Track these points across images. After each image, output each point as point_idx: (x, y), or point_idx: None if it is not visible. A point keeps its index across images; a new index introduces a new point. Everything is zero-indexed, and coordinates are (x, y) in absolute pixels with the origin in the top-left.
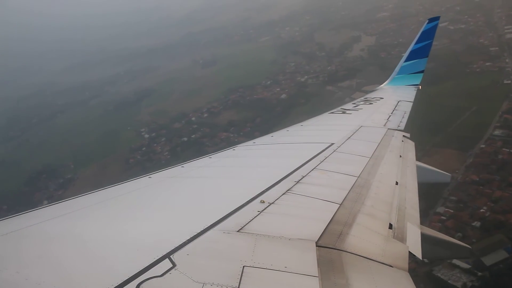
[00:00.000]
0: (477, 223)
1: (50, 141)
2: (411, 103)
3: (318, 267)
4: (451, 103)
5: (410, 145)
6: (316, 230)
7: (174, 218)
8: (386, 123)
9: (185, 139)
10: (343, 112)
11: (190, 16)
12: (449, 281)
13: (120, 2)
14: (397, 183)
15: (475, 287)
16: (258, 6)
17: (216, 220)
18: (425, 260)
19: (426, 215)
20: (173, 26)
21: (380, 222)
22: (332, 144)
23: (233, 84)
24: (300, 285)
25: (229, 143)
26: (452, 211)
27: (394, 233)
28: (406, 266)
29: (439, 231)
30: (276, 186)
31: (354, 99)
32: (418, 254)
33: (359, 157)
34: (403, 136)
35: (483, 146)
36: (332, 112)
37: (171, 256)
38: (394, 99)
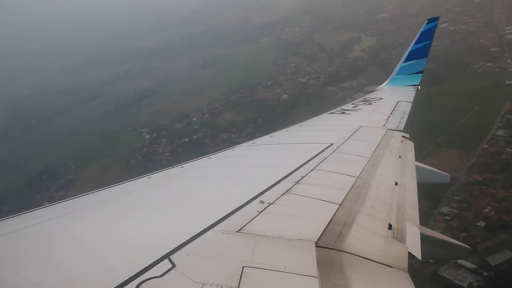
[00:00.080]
0: (481, 223)
1: (50, 141)
2: (411, 104)
3: (317, 267)
4: (453, 103)
5: (410, 145)
6: (315, 230)
7: (173, 218)
8: (385, 123)
9: (186, 139)
10: (343, 113)
11: (190, 17)
12: (454, 281)
13: (119, 2)
14: (396, 184)
15: (481, 287)
16: (257, 6)
17: (216, 221)
18: (431, 260)
19: (430, 215)
20: (173, 27)
21: (379, 222)
22: (332, 144)
23: (233, 84)
24: (300, 286)
25: (231, 144)
26: (456, 211)
27: (393, 234)
28: (406, 266)
29: (444, 231)
30: (276, 187)
31: (355, 99)
32: (418, 254)
33: (359, 157)
34: (403, 136)
35: (486, 146)
36: (331, 113)
37: (170, 257)
38: (394, 99)
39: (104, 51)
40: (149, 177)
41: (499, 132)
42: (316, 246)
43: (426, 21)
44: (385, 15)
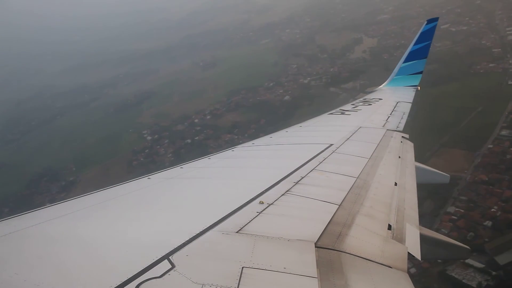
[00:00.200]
0: (488, 223)
1: (50, 143)
2: (410, 104)
3: (317, 268)
4: (456, 103)
5: (409, 146)
6: (315, 231)
7: (173, 219)
8: (385, 124)
9: (189, 141)
10: (342, 113)
11: (189, 18)
12: (463, 281)
13: (118, 3)
14: (396, 184)
15: (490, 286)
16: (257, 8)
17: (215, 221)
18: (439, 260)
19: (437, 215)
20: (172, 28)
21: (379, 223)
22: (331, 145)
23: (235, 86)
24: (299, 286)
25: (234, 145)
26: (462, 210)
27: (393, 234)
28: (405, 267)
29: (450, 231)
30: (275, 187)
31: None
32: (417, 255)
33: (358, 158)
34: (402, 137)
35: (490, 146)
36: (331, 113)
37: (170, 257)
38: (393, 100)
39: (104, 52)
40: (148, 178)
41: (504, 132)
42: (315, 247)
43: (426, 22)
44: (386, 17)
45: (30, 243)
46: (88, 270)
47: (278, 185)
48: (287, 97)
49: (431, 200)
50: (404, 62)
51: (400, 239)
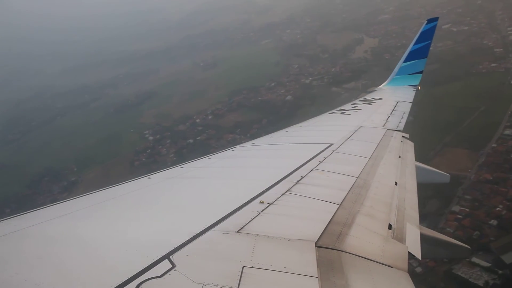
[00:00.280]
0: (494, 222)
1: (51, 144)
2: (410, 104)
3: (317, 267)
4: (459, 103)
5: (409, 145)
6: (315, 230)
7: (173, 218)
8: (385, 123)
9: (191, 141)
10: (342, 113)
11: (189, 19)
12: (470, 279)
13: (117, 4)
14: (396, 184)
15: (497, 285)
16: (257, 9)
17: (216, 221)
18: (445, 259)
19: (442, 214)
20: (172, 29)
21: (379, 222)
22: (332, 144)
23: (236, 86)
24: (300, 286)
25: (236, 145)
26: (467, 209)
27: (393, 234)
28: (406, 266)
29: (456, 230)
30: (276, 187)
31: None
32: (418, 254)
33: (358, 157)
34: (402, 136)
35: (494, 145)
36: (331, 113)
37: (170, 257)
38: (393, 99)
39: (103, 53)
40: (149, 178)
41: (507, 132)
42: (316, 246)
43: (426, 22)
44: (387, 17)
45: (30, 243)
46: (89, 270)
47: (279, 184)
48: (289, 97)
49: (436, 200)
50: (404, 61)
51: (401, 239)
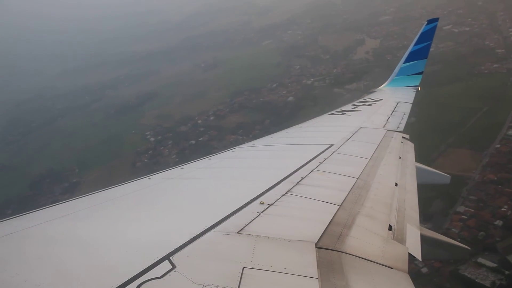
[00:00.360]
0: (499, 222)
1: (51, 145)
2: (411, 105)
3: (317, 268)
4: (462, 104)
5: (410, 146)
6: (315, 231)
7: (173, 219)
8: (385, 124)
9: (193, 142)
10: (342, 114)
11: (189, 20)
12: (476, 280)
13: (117, 5)
14: (396, 185)
15: (504, 286)
16: (257, 10)
17: (216, 222)
18: (452, 260)
19: (446, 215)
20: (172, 30)
21: (379, 223)
22: (332, 145)
23: (237, 87)
24: (300, 287)
25: (238, 146)
26: (472, 210)
27: (393, 235)
28: (406, 267)
29: (461, 230)
30: (276, 188)
31: None
32: (418, 255)
33: (359, 158)
34: (403, 137)
35: (498, 146)
36: (331, 114)
37: (170, 258)
38: (393, 100)
39: (103, 54)
40: (149, 178)
41: (511, 132)
42: (316, 247)
43: (426, 22)
44: (388, 18)
45: (31, 243)
46: (89, 270)
47: (279, 185)
48: (291, 98)
49: (440, 200)
50: (405, 62)
51: (401, 240)
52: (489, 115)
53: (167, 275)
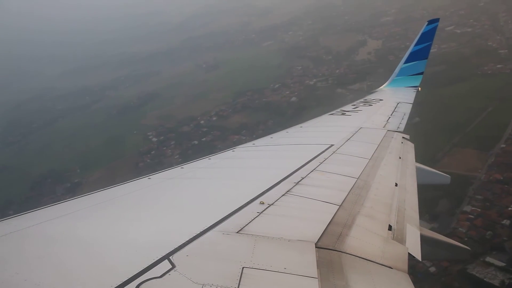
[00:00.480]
0: (506, 221)
1: (52, 146)
2: (411, 105)
3: (317, 268)
4: (466, 104)
5: (410, 146)
6: (315, 231)
7: (173, 219)
8: (385, 124)
9: (196, 142)
10: (343, 114)
11: (189, 21)
12: (485, 279)
13: (117, 6)
14: (396, 185)
15: None
16: (258, 11)
17: (216, 221)
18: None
19: (453, 214)
20: (172, 31)
21: (379, 223)
22: (332, 145)
23: (239, 87)
24: (300, 287)
25: None
26: (479, 209)
27: (393, 235)
28: (406, 267)
29: (468, 230)
30: (276, 188)
31: None
32: (418, 255)
33: (359, 158)
34: (403, 137)
35: (503, 146)
36: (331, 114)
37: (170, 257)
38: (394, 100)
39: (103, 55)
40: (149, 178)
41: None
42: (316, 247)
43: (426, 23)
44: (389, 19)
45: (31, 243)
46: (88, 270)
47: (279, 185)
48: (294, 98)
49: (447, 200)
50: (405, 63)
51: (401, 240)
52: (494, 115)
53: (167, 275)
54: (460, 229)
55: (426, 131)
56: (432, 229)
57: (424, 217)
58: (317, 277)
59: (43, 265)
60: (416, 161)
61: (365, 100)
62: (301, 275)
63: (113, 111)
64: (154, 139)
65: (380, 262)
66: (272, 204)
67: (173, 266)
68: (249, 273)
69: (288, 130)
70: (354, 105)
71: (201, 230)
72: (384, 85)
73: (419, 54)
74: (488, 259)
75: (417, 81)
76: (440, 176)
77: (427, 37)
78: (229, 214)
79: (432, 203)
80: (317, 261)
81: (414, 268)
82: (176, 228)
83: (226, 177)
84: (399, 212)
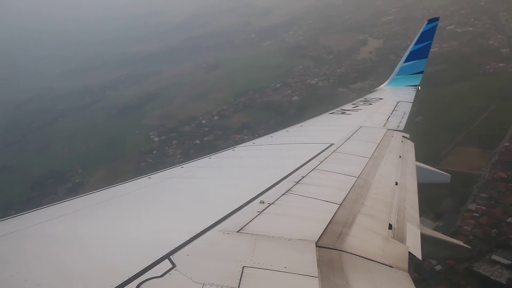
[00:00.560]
0: (511, 219)
1: (52, 146)
2: (411, 104)
3: (318, 267)
4: (469, 103)
5: (410, 145)
6: (316, 230)
7: (173, 218)
8: (385, 123)
9: (198, 141)
10: (343, 113)
11: (188, 21)
12: (491, 277)
13: (116, 6)
14: (396, 184)
15: None
16: (257, 11)
17: (216, 221)
18: (467, 256)
19: (458, 212)
20: (172, 31)
21: (379, 222)
22: (332, 144)
23: (240, 87)
24: (300, 286)
25: None
26: (484, 208)
27: (393, 234)
28: (406, 266)
29: (473, 228)
30: (276, 187)
31: None
32: (418, 254)
33: (359, 157)
34: (403, 136)
35: (507, 144)
36: (331, 113)
37: (171, 257)
38: (394, 99)
39: (103, 55)
40: (149, 177)
41: None
42: (316, 246)
43: (426, 22)
44: (390, 18)
45: (31, 243)
46: (89, 269)
47: (279, 184)
48: (295, 98)
49: (451, 198)
50: (405, 62)
51: (401, 239)
52: (497, 113)
53: (167, 274)
54: (465, 227)
55: (429, 130)
56: (437, 227)
57: (429, 215)
58: (317, 276)
59: (44, 265)
60: (420, 159)
61: (365, 99)
62: (301, 274)
63: (114, 111)
64: (156, 139)
65: (381, 261)
66: (272, 203)
67: (174, 265)
68: (249, 272)
69: (288, 129)
70: (354, 104)
71: (202, 230)
72: (384, 84)
73: (419, 53)
74: (494, 257)
75: (417, 80)
76: (440, 175)
77: (427, 36)
78: (229, 213)
79: (437, 201)
80: (317, 260)
81: (419, 266)
82: (177, 228)
83: (226, 176)
84: (399, 211)
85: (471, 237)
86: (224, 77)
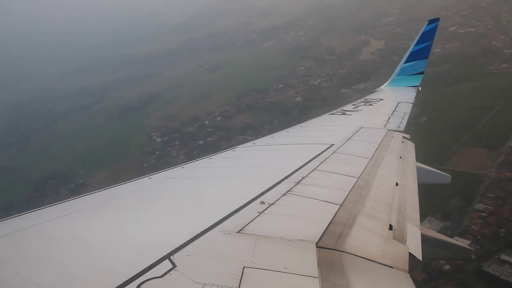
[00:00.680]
0: None
1: (54, 147)
2: (411, 105)
3: (318, 268)
4: (473, 103)
5: (410, 146)
6: (316, 231)
7: (174, 219)
8: (386, 124)
9: (201, 142)
10: (343, 113)
11: (189, 23)
12: (501, 277)
13: (116, 7)
14: (397, 184)
15: None
16: (258, 12)
17: (216, 221)
18: (473, 256)
19: (465, 212)
20: (173, 32)
21: (380, 223)
22: (332, 145)
23: (243, 88)
24: (300, 286)
25: None
26: (491, 207)
27: (394, 234)
28: (407, 267)
29: (481, 227)
30: (276, 187)
31: None
32: (419, 255)
33: (359, 158)
34: (403, 137)
35: None
36: (332, 113)
37: (171, 257)
38: (394, 100)
39: (103, 56)
40: (149, 178)
41: None
42: (316, 247)
43: (427, 22)
44: (391, 19)
45: (31, 243)
46: (89, 270)
47: (279, 185)
48: (298, 98)
49: (458, 198)
50: (405, 62)
51: (401, 239)
52: (502, 114)
53: (168, 275)
54: (473, 227)
55: (433, 130)
56: (444, 227)
57: (436, 215)
58: (317, 276)
59: (44, 265)
60: (425, 159)
61: (366, 99)
62: (301, 274)
63: (115, 112)
64: (158, 140)
65: (381, 262)
66: (272, 203)
67: (174, 266)
68: (250, 273)
69: (288, 129)
70: (354, 104)
71: (202, 230)
72: (384, 85)
73: (420, 53)
74: (503, 256)
75: (418, 80)
76: (441, 175)
77: (428, 36)
78: (229, 213)
79: (444, 201)
80: (317, 260)
81: (428, 266)
82: (177, 228)
83: (226, 177)
84: (399, 211)
85: (479, 237)
86: (226, 78)
